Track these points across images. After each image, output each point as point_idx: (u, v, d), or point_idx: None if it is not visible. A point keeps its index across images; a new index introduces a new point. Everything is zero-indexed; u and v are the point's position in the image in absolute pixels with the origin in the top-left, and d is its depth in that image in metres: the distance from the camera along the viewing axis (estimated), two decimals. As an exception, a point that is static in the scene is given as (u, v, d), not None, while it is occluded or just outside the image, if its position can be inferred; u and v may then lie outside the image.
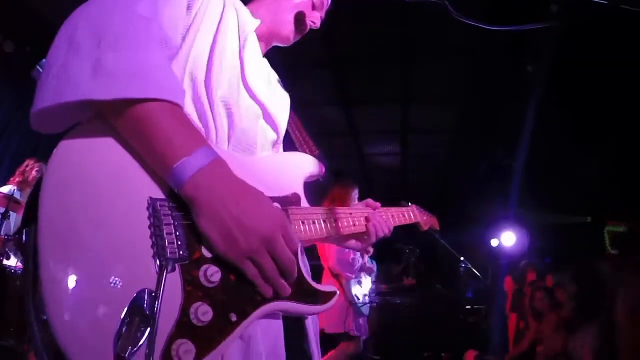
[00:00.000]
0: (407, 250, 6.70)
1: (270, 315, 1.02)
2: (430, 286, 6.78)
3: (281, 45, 1.43)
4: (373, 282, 6.04)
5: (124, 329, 0.79)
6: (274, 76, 1.45)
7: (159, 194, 0.93)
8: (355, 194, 4.62)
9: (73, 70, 0.87)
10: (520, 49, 5.00)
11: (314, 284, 1.10)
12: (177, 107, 0.94)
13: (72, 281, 0.79)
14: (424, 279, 7.13)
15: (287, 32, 1.37)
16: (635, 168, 6.79)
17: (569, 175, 7.99)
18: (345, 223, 1.36)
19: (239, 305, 0.93)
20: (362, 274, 4.63)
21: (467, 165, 8.75)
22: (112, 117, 0.91)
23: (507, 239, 9.15)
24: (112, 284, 0.82)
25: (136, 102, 0.89)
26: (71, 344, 0.77)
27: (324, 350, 4.49)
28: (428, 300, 7.13)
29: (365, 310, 4.60)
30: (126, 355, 0.78)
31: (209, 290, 0.90)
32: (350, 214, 1.39)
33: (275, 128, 1.29)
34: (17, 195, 4.46)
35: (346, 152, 8.48)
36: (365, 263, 4.47)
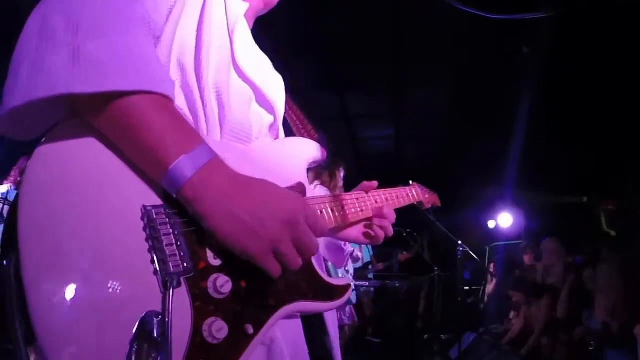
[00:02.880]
0: (405, 234, 6.68)
1: (288, 316, 0.95)
2: (428, 268, 6.77)
3: (267, 8, 1.31)
4: (369, 266, 6.05)
5: (132, 358, 0.71)
6: (265, 58, 1.38)
7: (152, 199, 0.82)
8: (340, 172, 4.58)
9: (47, 62, 0.75)
10: (515, 30, 4.94)
11: (327, 279, 1.04)
12: (168, 100, 0.84)
13: (67, 313, 0.69)
14: (423, 261, 7.14)
15: None
16: (631, 148, 6.79)
17: (565, 155, 7.98)
18: (353, 210, 1.28)
19: (254, 314, 0.85)
20: (349, 261, 4.61)
21: (462, 147, 8.71)
22: (93, 115, 0.80)
23: (504, 220, 9.19)
24: (113, 310, 0.72)
25: (122, 96, 0.78)
26: None
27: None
28: (426, 283, 7.14)
29: (353, 298, 4.59)
30: None
31: (220, 303, 0.81)
32: (357, 199, 1.31)
33: (270, 110, 1.18)
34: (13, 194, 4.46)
35: (339, 136, 8.42)
36: (353, 250, 4.45)
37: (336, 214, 1.19)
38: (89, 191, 0.78)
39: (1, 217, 4.13)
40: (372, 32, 5.20)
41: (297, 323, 1.01)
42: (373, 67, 6.04)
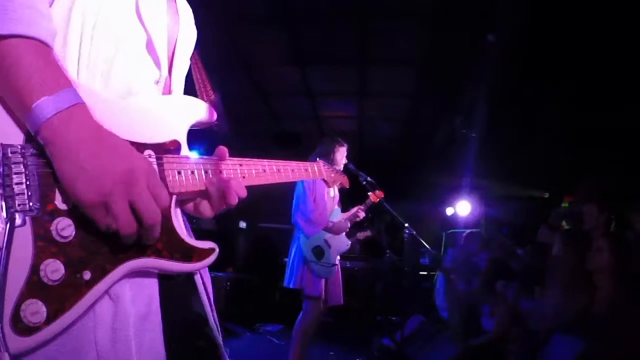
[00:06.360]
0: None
1: (142, 274, 0.96)
2: (381, 252, 6.80)
3: None
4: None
5: None
6: (186, 10, 1.31)
7: (15, 139, 0.85)
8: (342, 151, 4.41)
9: None
10: (483, 15, 4.92)
11: (188, 239, 1.02)
12: (44, 47, 0.87)
13: None
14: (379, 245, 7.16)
15: None
16: (596, 145, 6.90)
17: (529, 149, 8.09)
18: (233, 176, 1.19)
19: (96, 263, 0.87)
20: (330, 235, 4.42)
21: (425, 132, 8.74)
22: None
23: (463, 208, 9.30)
24: None
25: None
26: None
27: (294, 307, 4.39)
28: (380, 266, 7.20)
29: (325, 273, 4.35)
30: None
31: (63, 246, 0.83)
32: (240, 165, 1.23)
33: (158, 65, 1.15)
34: None
35: (302, 113, 8.33)
36: (333, 224, 4.38)
37: (210, 177, 1.12)
38: None
39: None
40: (337, 5, 5.09)
41: (153, 282, 1.00)
42: (338, 45, 5.95)
